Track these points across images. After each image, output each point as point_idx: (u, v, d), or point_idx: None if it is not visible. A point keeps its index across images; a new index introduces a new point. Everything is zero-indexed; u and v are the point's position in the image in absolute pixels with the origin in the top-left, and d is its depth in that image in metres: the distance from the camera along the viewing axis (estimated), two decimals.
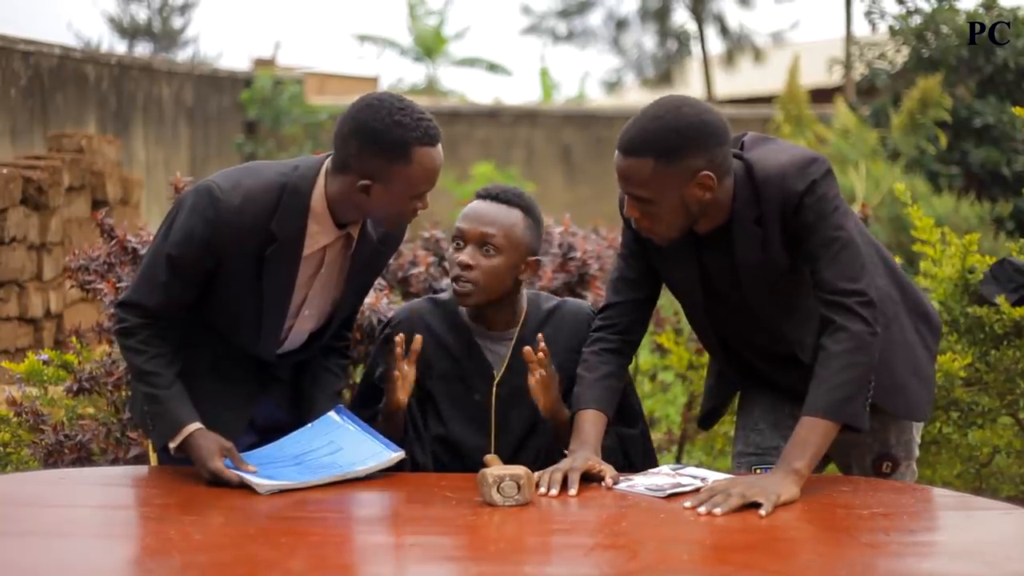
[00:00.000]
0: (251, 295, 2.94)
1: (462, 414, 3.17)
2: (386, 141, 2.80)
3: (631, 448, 3.19)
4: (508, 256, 3.12)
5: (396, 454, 2.95)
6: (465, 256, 3.10)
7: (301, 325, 3.06)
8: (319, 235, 2.93)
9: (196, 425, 2.92)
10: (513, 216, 3.14)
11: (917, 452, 3.23)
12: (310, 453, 2.97)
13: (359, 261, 3.04)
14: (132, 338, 2.97)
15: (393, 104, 2.83)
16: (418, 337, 3.06)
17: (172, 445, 2.93)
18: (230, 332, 3.04)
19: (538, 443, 3.18)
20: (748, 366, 3.19)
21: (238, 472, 2.82)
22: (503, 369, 3.19)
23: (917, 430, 3.22)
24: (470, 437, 3.16)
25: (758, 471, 3.07)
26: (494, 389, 3.18)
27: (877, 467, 3.17)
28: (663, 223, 2.85)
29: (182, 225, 2.90)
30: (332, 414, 3.08)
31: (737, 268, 2.93)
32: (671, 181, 2.78)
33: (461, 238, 3.13)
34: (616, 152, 2.82)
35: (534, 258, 3.18)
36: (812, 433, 2.74)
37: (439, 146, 2.87)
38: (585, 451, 2.90)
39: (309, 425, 3.06)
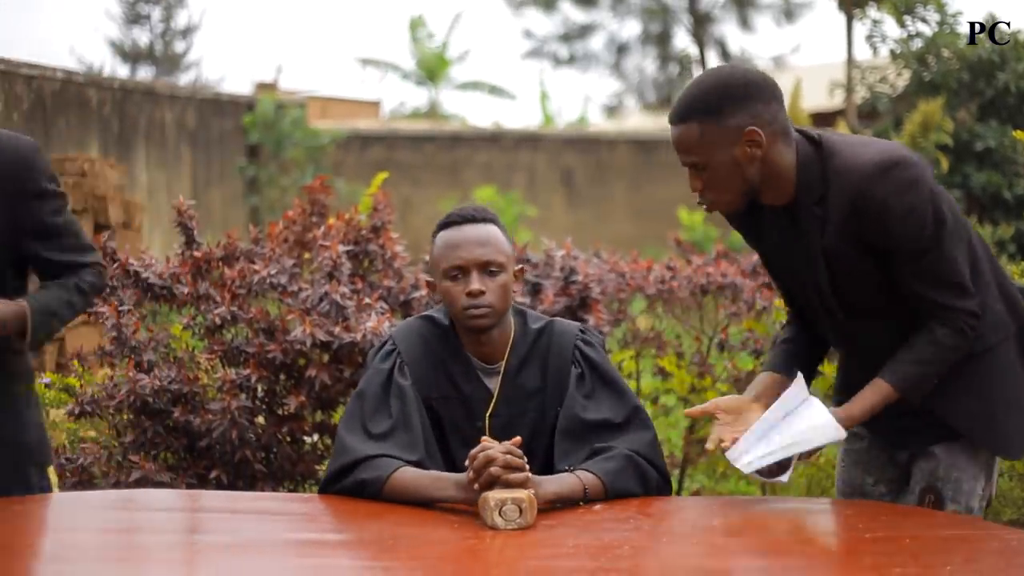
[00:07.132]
0: None
1: (464, 441, 3.04)
2: None
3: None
4: (507, 269, 3.08)
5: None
6: (476, 283, 3.03)
7: None
8: None
9: None
10: (493, 230, 3.10)
11: (976, 504, 3.00)
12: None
13: None
14: None
15: None
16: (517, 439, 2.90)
17: None
18: None
19: (535, 465, 3.08)
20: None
21: None
22: (494, 401, 3.10)
23: (976, 476, 3.00)
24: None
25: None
26: (487, 420, 3.10)
27: (921, 498, 3.03)
28: (721, 189, 2.87)
29: None
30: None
31: (809, 250, 2.92)
32: (719, 141, 2.82)
33: (459, 270, 3.05)
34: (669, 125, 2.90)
35: (520, 266, 3.17)
36: (876, 394, 2.88)
37: None
38: (747, 395, 3.00)
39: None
